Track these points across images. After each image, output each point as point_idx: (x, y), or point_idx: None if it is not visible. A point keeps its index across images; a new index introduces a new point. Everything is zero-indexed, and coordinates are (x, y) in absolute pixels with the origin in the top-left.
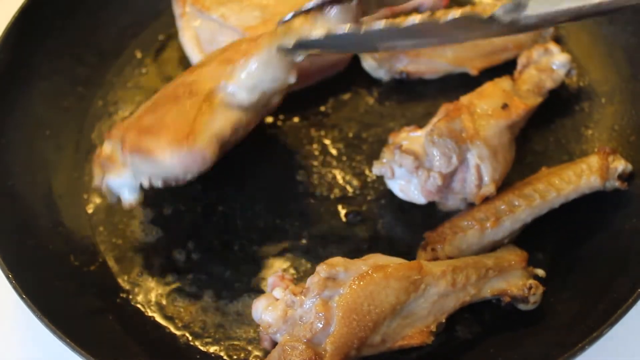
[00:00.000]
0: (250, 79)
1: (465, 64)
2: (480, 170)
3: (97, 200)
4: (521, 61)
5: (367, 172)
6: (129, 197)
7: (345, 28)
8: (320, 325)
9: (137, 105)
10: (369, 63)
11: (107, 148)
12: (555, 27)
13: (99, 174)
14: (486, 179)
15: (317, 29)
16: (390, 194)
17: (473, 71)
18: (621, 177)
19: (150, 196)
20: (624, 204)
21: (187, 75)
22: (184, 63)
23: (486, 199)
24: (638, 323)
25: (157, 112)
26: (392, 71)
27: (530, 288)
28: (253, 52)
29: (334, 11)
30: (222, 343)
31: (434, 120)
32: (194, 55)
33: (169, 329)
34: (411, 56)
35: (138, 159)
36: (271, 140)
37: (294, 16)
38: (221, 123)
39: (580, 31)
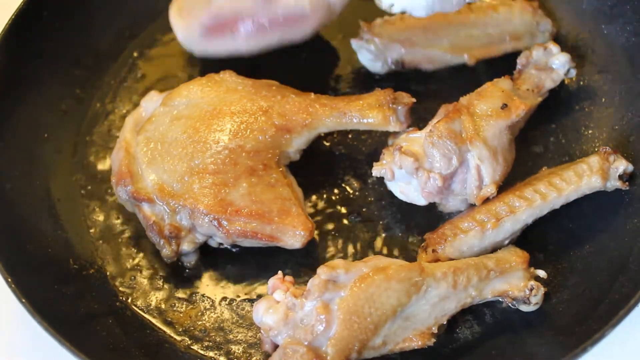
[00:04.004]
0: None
1: (462, 53)
2: (480, 171)
3: (96, 203)
4: (521, 61)
5: (367, 173)
6: (194, 258)
7: None
8: (321, 328)
9: (134, 107)
10: (365, 55)
11: (147, 210)
12: (555, 27)
13: (167, 244)
14: (486, 180)
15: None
16: (390, 195)
17: (470, 60)
18: (622, 177)
19: None
20: (625, 204)
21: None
22: (183, 64)
23: (486, 200)
24: None
25: (237, 186)
26: (389, 62)
27: (531, 289)
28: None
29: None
30: (223, 347)
31: (434, 121)
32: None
33: (168, 332)
34: (407, 46)
35: (246, 241)
36: None
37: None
38: (296, 186)
39: (580, 30)
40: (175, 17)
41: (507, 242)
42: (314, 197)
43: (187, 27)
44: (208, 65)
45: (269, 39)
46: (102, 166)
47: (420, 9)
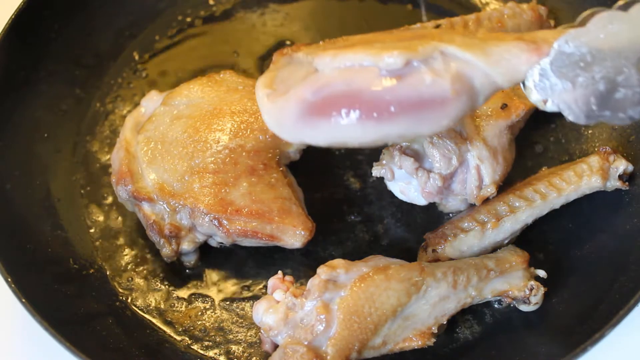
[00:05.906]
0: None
1: None
2: (480, 171)
3: (95, 203)
4: None
5: (367, 173)
6: (194, 257)
7: None
8: (321, 328)
9: (134, 106)
10: None
11: (148, 210)
12: (555, 26)
13: (167, 244)
14: (486, 179)
15: None
16: (390, 195)
17: None
18: (622, 177)
19: None
20: (625, 204)
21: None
22: (183, 63)
23: (486, 200)
24: None
25: (238, 185)
26: None
27: (531, 289)
28: None
29: None
30: (222, 346)
31: None
32: None
33: (168, 332)
34: None
35: (246, 240)
36: None
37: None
38: (296, 185)
39: None
40: (264, 91)
41: (507, 242)
42: (314, 197)
43: (280, 103)
44: (209, 65)
45: (391, 129)
46: (102, 166)
47: (580, 114)
